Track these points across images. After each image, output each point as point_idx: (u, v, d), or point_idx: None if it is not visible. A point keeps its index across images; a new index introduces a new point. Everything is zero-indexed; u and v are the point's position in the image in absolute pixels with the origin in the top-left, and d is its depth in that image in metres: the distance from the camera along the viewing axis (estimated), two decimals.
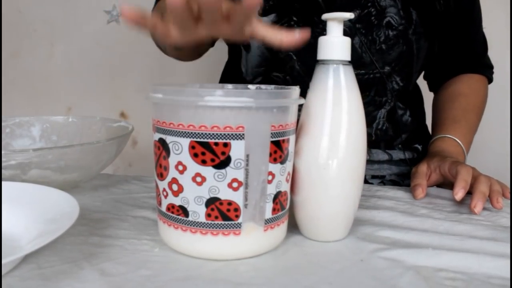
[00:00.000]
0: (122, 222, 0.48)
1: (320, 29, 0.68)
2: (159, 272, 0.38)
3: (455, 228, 0.48)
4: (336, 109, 0.42)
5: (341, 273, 0.38)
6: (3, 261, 0.33)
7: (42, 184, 0.47)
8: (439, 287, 0.36)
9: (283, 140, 0.39)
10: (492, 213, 0.54)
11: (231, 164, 0.37)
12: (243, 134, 0.37)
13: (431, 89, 0.84)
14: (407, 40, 0.69)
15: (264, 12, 0.69)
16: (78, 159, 0.54)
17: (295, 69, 0.70)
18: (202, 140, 0.37)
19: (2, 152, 0.49)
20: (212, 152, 0.37)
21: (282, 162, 0.40)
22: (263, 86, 0.45)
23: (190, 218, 0.39)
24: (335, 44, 0.43)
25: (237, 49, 0.76)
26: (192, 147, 0.37)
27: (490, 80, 0.82)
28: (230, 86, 0.47)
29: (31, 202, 0.45)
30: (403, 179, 0.76)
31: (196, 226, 0.39)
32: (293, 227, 0.47)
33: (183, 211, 0.39)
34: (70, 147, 0.52)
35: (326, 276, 0.38)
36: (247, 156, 0.37)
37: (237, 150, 0.37)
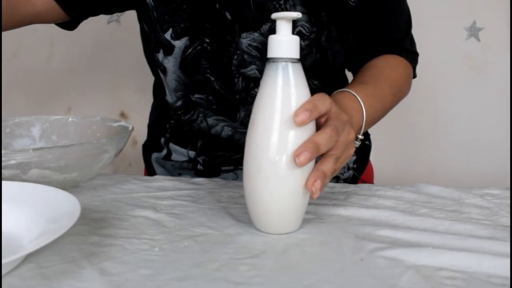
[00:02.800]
0: (122, 221, 0.48)
1: (233, 48, 0.65)
2: (159, 272, 0.38)
3: (455, 227, 0.48)
4: (285, 105, 0.43)
5: (341, 272, 0.38)
6: (4, 261, 0.33)
7: (42, 184, 0.47)
8: (439, 286, 0.36)
9: None
10: (492, 212, 0.54)
11: None
12: None
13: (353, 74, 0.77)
14: (320, 47, 0.66)
15: (176, 36, 0.66)
16: (78, 158, 0.54)
17: (216, 89, 0.68)
18: None
19: (2, 151, 0.49)
20: None
21: None
22: None
23: None
24: (283, 42, 0.44)
25: (156, 71, 0.73)
26: None
27: (413, 66, 0.73)
28: None
29: (32, 202, 0.45)
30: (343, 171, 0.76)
31: None
32: None
33: None
34: (70, 146, 0.52)
35: (326, 275, 0.38)
36: None
37: None
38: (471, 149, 1.34)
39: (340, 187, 0.63)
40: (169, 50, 0.67)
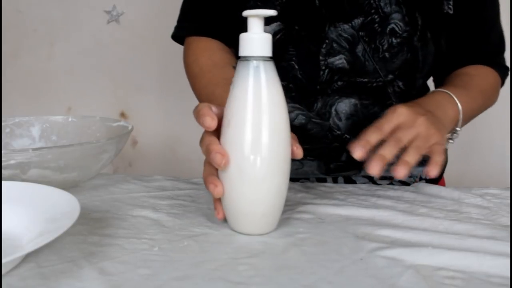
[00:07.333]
0: (122, 221, 0.48)
1: (322, 37, 0.67)
2: (158, 271, 0.38)
3: (454, 227, 0.48)
4: (256, 105, 0.42)
5: (340, 272, 0.38)
6: (4, 261, 0.33)
7: (42, 184, 0.47)
8: (438, 286, 0.36)
9: None
10: (491, 212, 0.54)
11: None
12: None
13: (436, 85, 0.79)
14: (412, 47, 0.67)
15: (267, 21, 0.68)
16: (78, 158, 0.54)
17: (297, 78, 0.69)
18: None
19: (2, 151, 0.49)
20: None
21: None
22: None
23: None
24: (255, 40, 0.43)
25: None
26: None
27: (502, 78, 0.74)
28: None
29: (32, 202, 0.45)
30: (414, 180, 0.74)
31: None
32: (292, 226, 0.47)
33: None
34: (69, 146, 0.52)
35: (326, 275, 0.38)
36: None
37: None
38: (471, 149, 1.34)
39: (339, 187, 0.63)
40: None
